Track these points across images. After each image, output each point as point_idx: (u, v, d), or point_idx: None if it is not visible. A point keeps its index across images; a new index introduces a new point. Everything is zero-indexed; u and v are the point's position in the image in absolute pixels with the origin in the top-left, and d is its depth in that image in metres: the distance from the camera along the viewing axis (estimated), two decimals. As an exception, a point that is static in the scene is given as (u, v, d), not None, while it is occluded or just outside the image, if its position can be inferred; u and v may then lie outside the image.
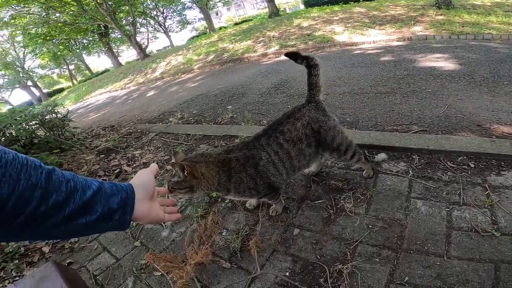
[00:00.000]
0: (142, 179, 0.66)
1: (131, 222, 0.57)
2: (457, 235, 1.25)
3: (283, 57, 6.19)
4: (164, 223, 1.78)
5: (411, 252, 1.22)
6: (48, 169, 0.46)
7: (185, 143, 2.92)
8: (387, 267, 1.19)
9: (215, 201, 1.89)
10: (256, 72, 5.33)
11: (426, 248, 1.22)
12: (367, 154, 1.94)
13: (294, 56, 1.43)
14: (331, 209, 1.55)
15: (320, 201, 1.64)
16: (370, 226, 1.40)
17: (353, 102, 2.93)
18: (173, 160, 1.21)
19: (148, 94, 7.06)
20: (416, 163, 1.76)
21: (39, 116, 3.44)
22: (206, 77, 6.60)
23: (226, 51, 8.58)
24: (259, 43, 8.12)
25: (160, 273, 1.43)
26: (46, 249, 1.87)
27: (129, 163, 2.82)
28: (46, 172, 0.45)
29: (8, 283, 1.67)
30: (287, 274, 1.28)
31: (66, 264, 1.72)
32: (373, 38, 6.00)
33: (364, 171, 1.73)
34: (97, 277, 1.55)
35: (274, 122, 1.45)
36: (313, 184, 1.79)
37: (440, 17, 6.47)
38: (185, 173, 1.12)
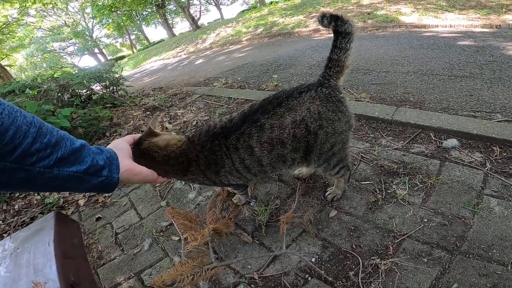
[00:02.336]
0: (116, 145, 0.71)
1: (119, 183, 0.59)
2: (534, 244, 1.00)
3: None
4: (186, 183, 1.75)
5: (470, 256, 1.02)
6: (39, 119, 0.49)
7: (226, 105, 2.90)
8: (435, 269, 1.00)
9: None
10: (306, 46, 5.01)
11: (490, 254, 1.01)
12: (433, 137, 1.64)
13: (321, 17, 1.01)
14: (379, 194, 1.35)
15: (367, 182, 1.44)
16: (425, 220, 1.18)
17: (419, 83, 2.53)
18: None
19: (197, 62, 7.27)
20: (496, 156, 1.43)
21: (96, 74, 3.71)
22: (254, 49, 6.50)
23: (275, 24, 8.32)
24: (311, 18, 7.63)
25: (178, 238, 1.40)
26: (81, 202, 1.97)
27: (170, 121, 2.90)
28: (38, 119, 0.48)
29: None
30: (313, 260, 1.14)
31: (95, 219, 1.77)
32: (450, 22, 5.20)
33: (331, 190, 1.38)
34: (118, 235, 1.59)
35: (259, 105, 1.02)
36: (362, 162, 1.58)
37: (541, 9, 5.22)
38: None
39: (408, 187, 1.34)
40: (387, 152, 1.61)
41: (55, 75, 3.65)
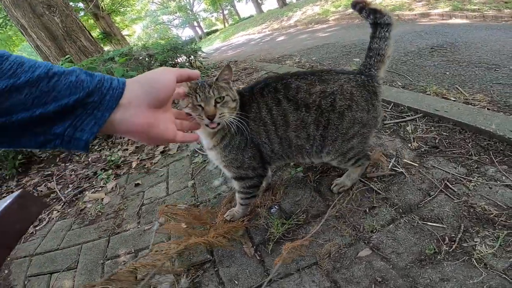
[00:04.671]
0: (152, 77, 0.44)
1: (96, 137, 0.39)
2: None
3: (453, 21, 4.80)
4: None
5: None
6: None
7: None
8: None
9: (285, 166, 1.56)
10: (407, 31, 4.11)
11: None
12: None
13: (358, 5, 1.04)
14: (446, 244, 0.94)
15: (436, 224, 1.02)
16: (494, 292, 0.78)
17: None
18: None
19: (278, 39, 7.12)
20: None
21: (173, 45, 4.03)
22: (340, 29, 5.82)
23: (370, 5, 7.24)
24: (419, 1, 6.29)
25: (186, 226, 1.30)
26: (134, 164, 2.10)
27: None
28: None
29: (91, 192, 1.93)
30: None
31: (135, 184, 1.84)
32: None
33: (337, 181, 1.27)
34: (143, 207, 1.63)
35: (288, 73, 1.10)
36: (442, 194, 1.13)
37: None
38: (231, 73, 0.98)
39: (500, 244, 0.89)
40: (490, 188, 1.10)
41: (146, 45, 4.11)
